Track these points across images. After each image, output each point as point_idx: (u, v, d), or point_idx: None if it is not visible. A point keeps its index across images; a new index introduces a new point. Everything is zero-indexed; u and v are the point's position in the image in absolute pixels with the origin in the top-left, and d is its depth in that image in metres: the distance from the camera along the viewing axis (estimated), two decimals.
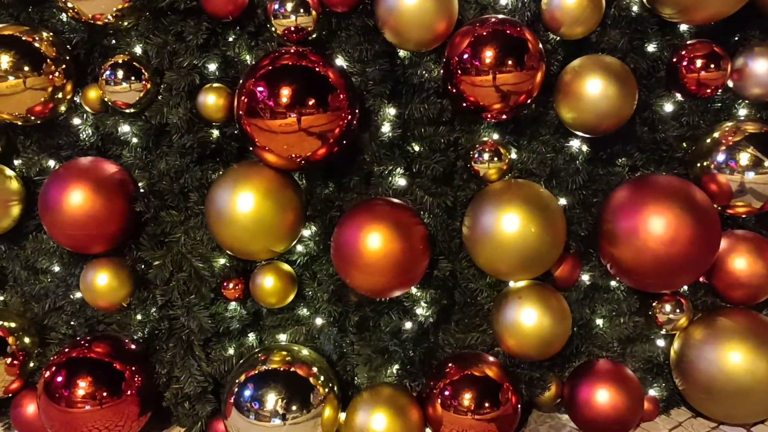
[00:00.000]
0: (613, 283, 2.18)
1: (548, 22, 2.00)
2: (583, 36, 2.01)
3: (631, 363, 2.20)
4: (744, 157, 2.03)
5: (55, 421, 2.09)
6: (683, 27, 2.13)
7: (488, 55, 1.89)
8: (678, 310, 2.13)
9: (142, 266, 2.18)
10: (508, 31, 1.91)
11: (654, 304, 2.15)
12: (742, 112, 2.20)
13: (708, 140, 2.10)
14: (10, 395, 2.27)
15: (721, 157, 2.05)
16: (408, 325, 2.13)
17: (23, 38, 2.03)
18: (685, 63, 2.06)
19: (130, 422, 2.11)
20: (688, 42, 2.09)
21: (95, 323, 2.27)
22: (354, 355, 2.17)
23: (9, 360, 2.21)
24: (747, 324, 2.08)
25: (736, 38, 2.17)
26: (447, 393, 2.01)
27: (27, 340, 2.25)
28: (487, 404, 1.99)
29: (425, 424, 2.06)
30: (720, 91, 2.12)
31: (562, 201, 2.11)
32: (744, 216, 2.17)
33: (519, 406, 2.06)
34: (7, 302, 2.34)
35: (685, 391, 2.16)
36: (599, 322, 2.19)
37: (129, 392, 2.09)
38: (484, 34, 1.91)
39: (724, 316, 2.12)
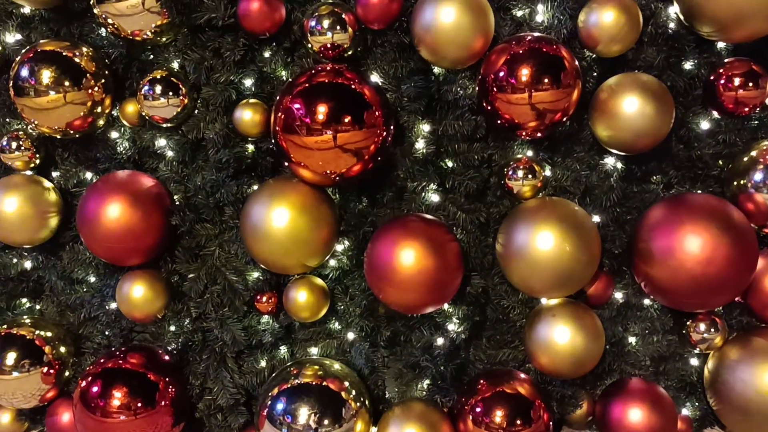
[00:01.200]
0: (646, 302, 2.16)
1: (585, 40, 1.99)
2: (619, 54, 2.00)
3: (664, 382, 2.18)
4: None
5: (90, 430, 2.11)
6: (721, 45, 2.11)
7: (524, 73, 1.89)
8: (713, 330, 2.11)
9: (177, 278, 2.21)
10: (544, 49, 1.91)
11: (688, 323, 2.13)
12: None
13: (745, 158, 2.08)
14: (45, 404, 2.31)
15: (758, 176, 2.03)
16: (440, 340, 2.13)
17: (64, 53, 2.06)
18: (722, 81, 2.04)
19: None
20: (726, 60, 2.07)
21: (129, 333, 2.30)
22: (385, 370, 2.18)
23: (45, 369, 2.24)
24: None
25: None
26: (478, 410, 2.00)
27: (63, 349, 2.29)
28: (518, 421, 1.99)
29: None
30: (758, 109, 2.10)
31: (596, 218, 2.10)
32: None
33: (551, 423, 2.05)
34: (44, 311, 2.38)
35: (719, 411, 2.14)
36: (632, 340, 2.18)
37: (163, 403, 2.11)
38: (521, 52, 1.90)
39: (761, 336, 2.09)
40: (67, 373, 2.30)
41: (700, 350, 2.16)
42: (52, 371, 2.26)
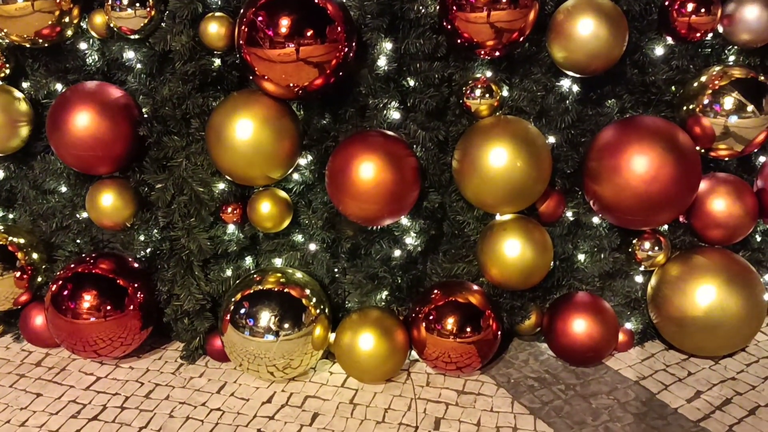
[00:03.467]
0: (595, 220, 2.26)
1: None
2: None
3: (610, 297, 2.30)
4: (728, 101, 2.09)
5: (61, 331, 2.22)
6: None
7: None
8: (657, 248, 2.22)
9: (146, 189, 2.28)
10: None
11: (634, 241, 2.25)
12: (731, 57, 2.25)
13: (695, 84, 2.16)
14: (18, 307, 2.41)
15: (706, 100, 2.11)
16: (397, 253, 2.23)
17: None
18: (676, 6, 2.09)
19: (132, 335, 2.24)
20: None
21: (100, 242, 2.39)
22: (345, 281, 2.28)
23: (18, 274, 2.34)
24: (721, 262, 2.17)
25: None
26: (431, 317, 2.12)
27: (35, 255, 2.37)
28: (468, 329, 2.11)
29: (410, 345, 2.18)
30: (710, 35, 2.17)
31: (551, 139, 2.19)
32: (726, 159, 2.25)
33: (499, 332, 2.17)
34: (16, 220, 2.46)
35: (659, 324, 2.27)
36: (581, 257, 2.29)
37: (131, 307, 2.22)
38: None
39: (701, 255, 2.21)
40: (39, 279, 2.39)
41: (644, 268, 2.28)
42: (24, 276, 2.35)
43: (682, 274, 2.18)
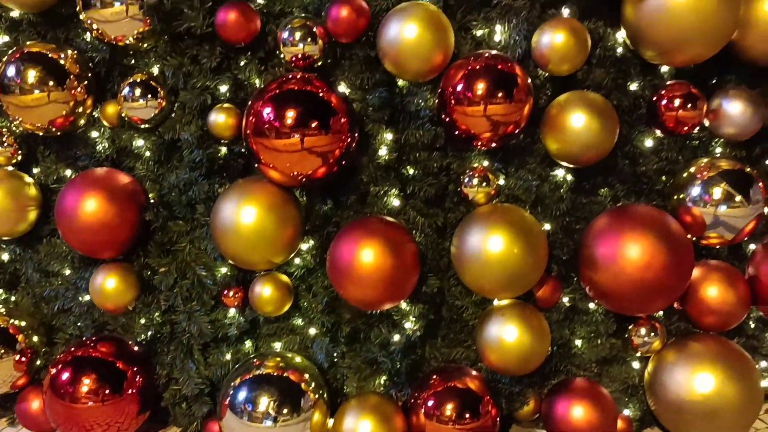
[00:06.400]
0: (591, 306, 2.30)
1: (538, 59, 2.15)
2: (569, 73, 2.16)
3: (608, 383, 2.31)
4: (717, 192, 2.17)
5: (59, 415, 2.21)
6: (664, 68, 2.28)
7: (480, 87, 2.04)
8: (653, 334, 2.25)
9: (149, 272, 2.32)
10: (499, 66, 2.06)
11: (630, 327, 2.28)
12: (718, 149, 2.34)
13: (685, 174, 2.24)
14: (16, 391, 2.39)
15: (696, 190, 2.19)
16: (396, 337, 2.25)
17: (49, 55, 2.20)
18: (664, 102, 2.20)
19: (129, 419, 2.23)
20: (668, 82, 2.24)
21: (101, 325, 2.40)
22: (344, 365, 2.29)
23: (18, 357, 2.34)
24: (717, 349, 2.20)
25: (713, 81, 2.32)
26: (430, 403, 2.12)
27: (35, 338, 2.39)
28: (467, 415, 2.10)
29: None
30: (697, 129, 2.26)
31: (547, 226, 2.25)
32: (718, 247, 2.31)
33: (498, 418, 2.17)
34: (18, 303, 2.47)
35: (657, 411, 2.27)
36: (578, 342, 2.31)
37: (130, 391, 2.21)
38: (477, 67, 2.06)
39: (696, 341, 2.24)
40: (38, 362, 2.40)
41: (641, 353, 2.30)
42: (24, 359, 2.35)
43: (678, 361, 2.20)
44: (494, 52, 2.13)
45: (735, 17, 2.08)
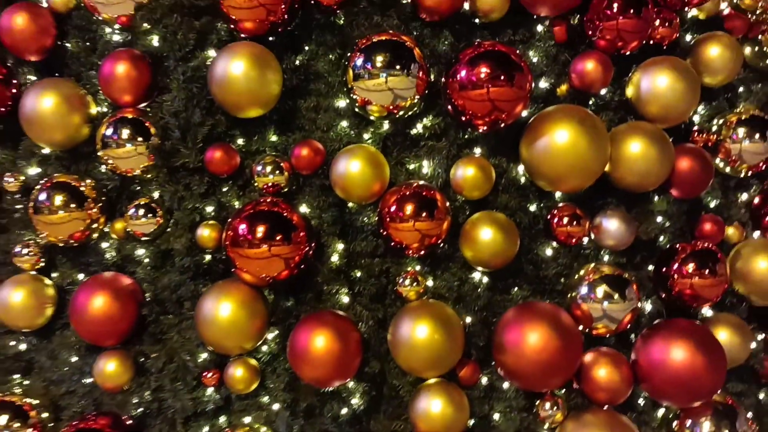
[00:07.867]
0: (506, 385, 2.77)
1: (455, 188, 2.71)
2: (481, 197, 2.74)
3: None
4: (600, 291, 2.71)
5: None
6: (558, 194, 2.88)
7: (408, 209, 2.57)
8: (555, 408, 2.71)
9: (142, 358, 2.80)
10: (424, 192, 2.61)
11: (537, 402, 2.75)
12: (606, 257, 2.91)
13: (576, 277, 2.80)
14: None
15: (584, 290, 2.73)
16: (344, 411, 2.69)
17: (72, 183, 2.75)
18: (556, 220, 2.78)
19: None
20: (559, 204, 2.83)
21: (100, 404, 2.86)
22: None
23: (29, 430, 2.79)
24: (607, 421, 2.67)
25: (600, 203, 2.92)
26: None
27: (45, 415, 2.84)
28: None
29: None
30: (586, 240, 2.84)
31: (468, 319, 2.76)
32: (607, 336, 2.83)
33: None
34: (31, 385, 2.93)
35: None
36: (496, 416, 2.76)
37: None
38: (407, 193, 2.60)
39: (591, 414, 2.70)
40: None
41: (548, 425, 2.76)
42: None
43: (576, 430, 2.68)
44: (421, 182, 2.72)
45: (604, 156, 2.68)
